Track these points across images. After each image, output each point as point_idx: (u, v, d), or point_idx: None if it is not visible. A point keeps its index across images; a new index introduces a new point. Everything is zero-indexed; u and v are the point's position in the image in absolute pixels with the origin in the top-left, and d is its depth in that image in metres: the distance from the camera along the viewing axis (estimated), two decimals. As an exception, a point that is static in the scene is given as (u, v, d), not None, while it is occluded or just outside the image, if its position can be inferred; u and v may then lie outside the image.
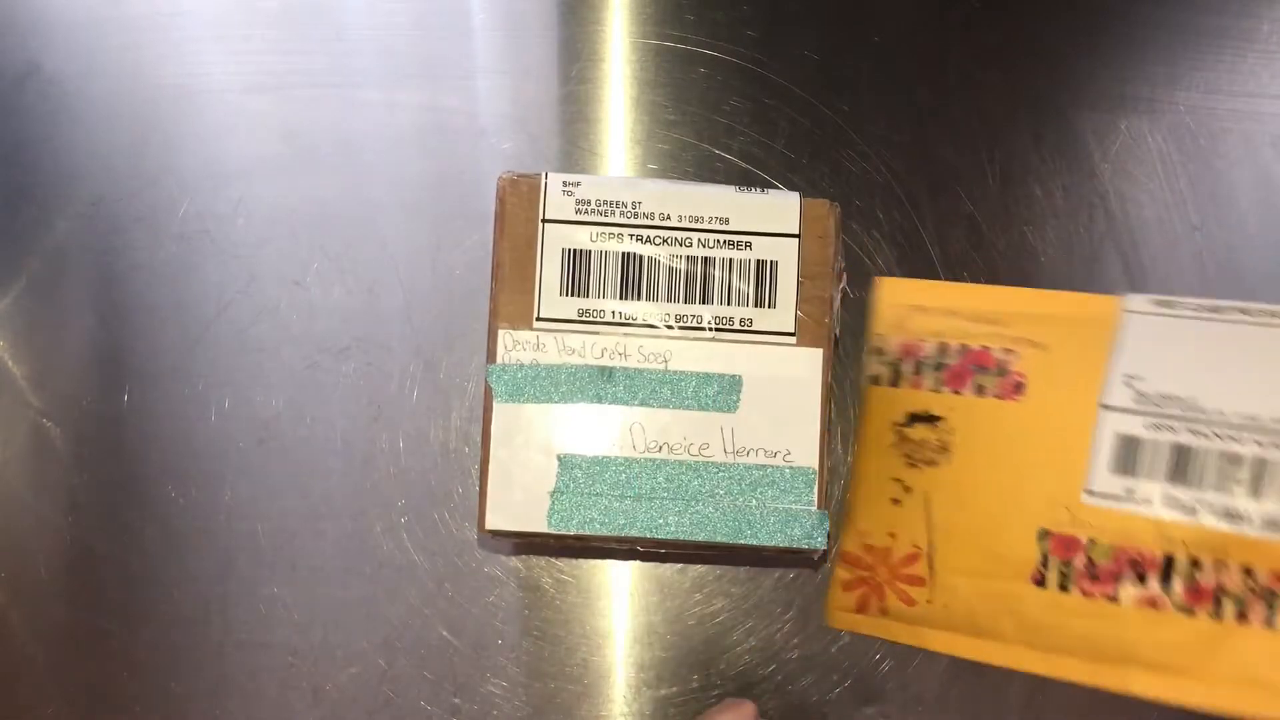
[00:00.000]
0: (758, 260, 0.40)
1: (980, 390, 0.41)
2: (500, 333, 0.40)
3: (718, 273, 0.40)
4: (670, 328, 0.40)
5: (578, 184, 0.41)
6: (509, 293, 0.40)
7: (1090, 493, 0.39)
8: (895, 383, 0.43)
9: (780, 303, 0.40)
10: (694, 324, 0.40)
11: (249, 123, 0.49)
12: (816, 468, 0.40)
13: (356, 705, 0.46)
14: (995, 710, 0.45)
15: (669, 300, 0.40)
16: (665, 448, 0.40)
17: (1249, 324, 0.40)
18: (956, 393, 0.42)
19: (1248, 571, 0.38)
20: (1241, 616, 0.38)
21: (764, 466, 0.40)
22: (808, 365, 0.40)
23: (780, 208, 0.41)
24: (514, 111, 0.49)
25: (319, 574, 0.46)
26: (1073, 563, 0.40)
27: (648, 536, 0.40)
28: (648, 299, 0.40)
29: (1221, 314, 0.40)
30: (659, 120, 0.49)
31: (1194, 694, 0.38)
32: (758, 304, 0.40)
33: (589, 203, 0.41)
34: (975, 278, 0.47)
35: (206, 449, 0.47)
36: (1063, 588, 0.40)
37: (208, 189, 0.48)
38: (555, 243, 0.40)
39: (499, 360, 0.40)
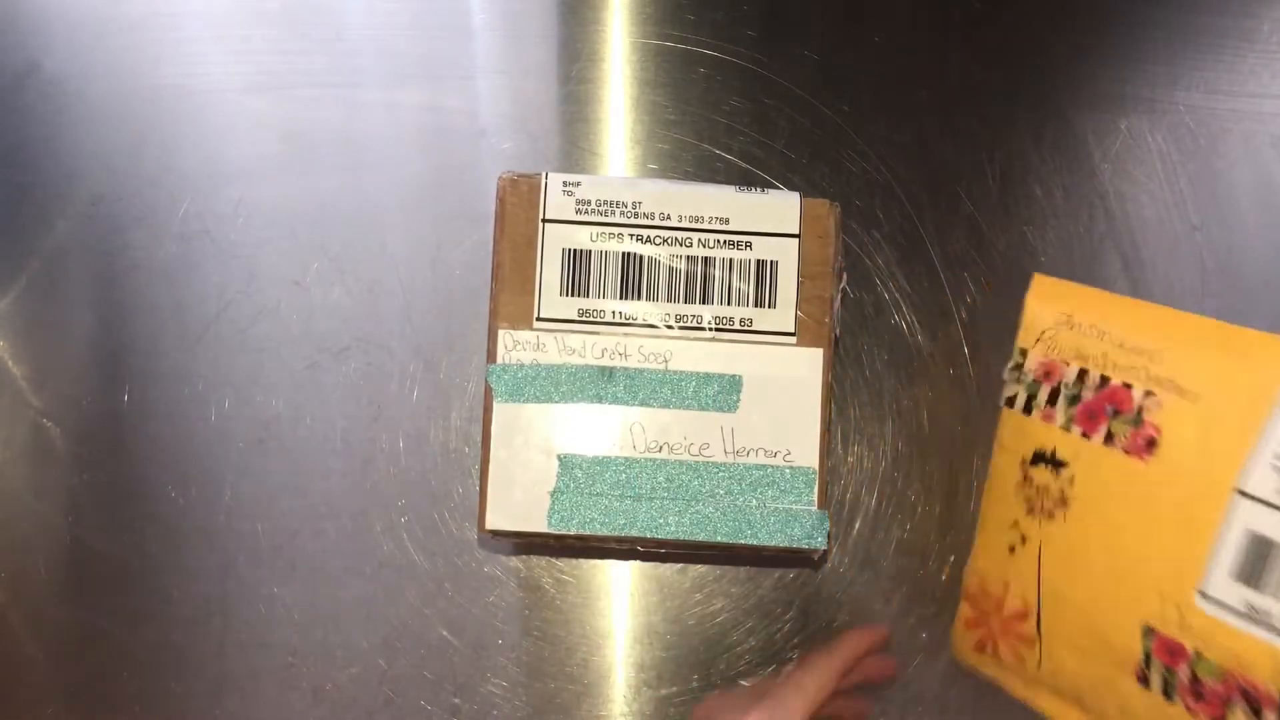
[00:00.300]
0: (758, 260, 0.40)
1: (1110, 439, 0.37)
2: (500, 333, 0.40)
3: (718, 273, 0.40)
4: (670, 328, 0.40)
5: (578, 184, 0.41)
6: (509, 293, 0.40)
7: (1205, 596, 0.34)
8: (1029, 409, 0.40)
9: (780, 303, 0.40)
10: (694, 324, 0.40)
11: (249, 123, 0.49)
12: (816, 468, 0.40)
13: (356, 705, 0.46)
14: (995, 710, 0.45)
15: (669, 300, 0.40)
16: (665, 448, 0.40)
17: None
18: (1086, 436, 0.38)
19: None
20: None
21: (764, 466, 0.40)
22: (808, 365, 0.40)
23: (780, 208, 0.41)
24: (514, 111, 0.49)
25: (319, 574, 0.46)
26: (1177, 672, 0.35)
27: (648, 536, 0.39)
28: (648, 299, 0.40)
29: None
30: (659, 120, 0.49)
31: None
32: (758, 304, 0.40)
33: (589, 203, 0.41)
34: (975, 278, 0.47)
35: (206, 449, 0.47)
36: (1166, 694, 0.35)
37: (208, 189, 0.48)
38: (555, 243, 0.40)
39: (499, 360, 0.40)
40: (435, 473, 0.47)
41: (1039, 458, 0.39)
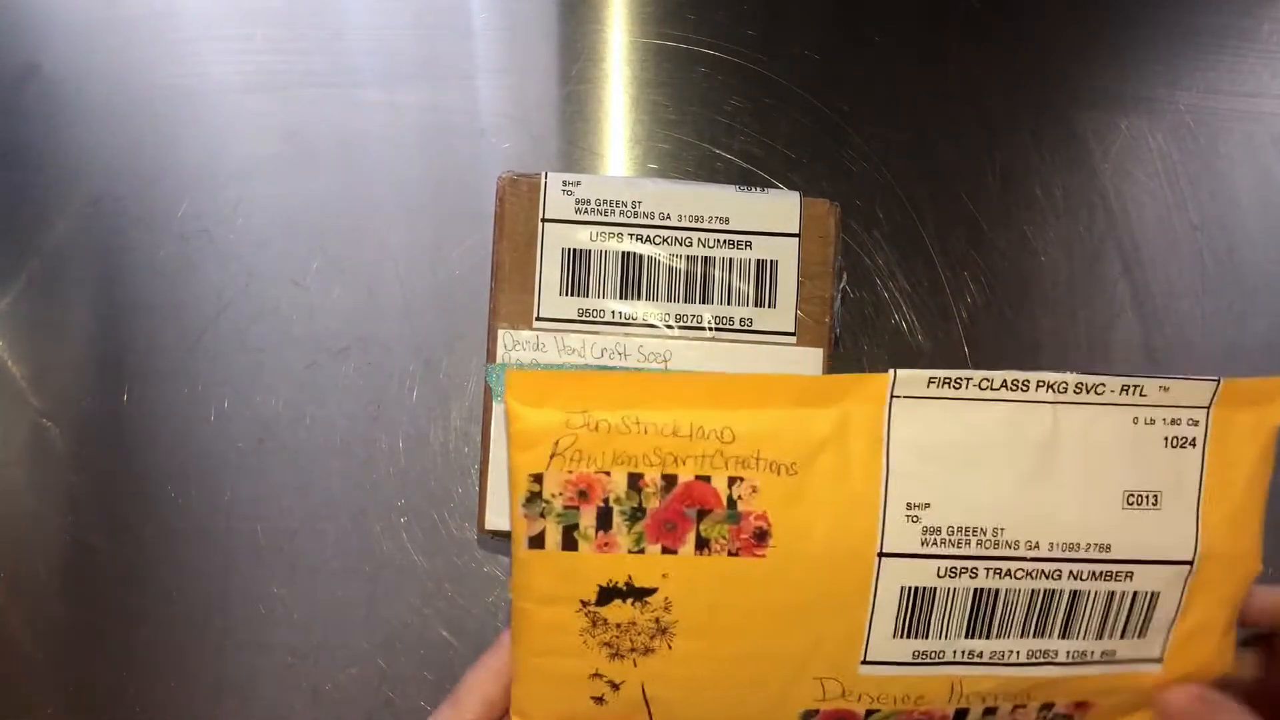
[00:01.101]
0: (758, 260, 0.40)
1: (704, 546, 0.30)
2: (500, 333, 0.40)
3: (718, 272, 0.40)
4: (670, 327, 0.40)
5: (578, 183, 0.41)
6: (509, 292, 0.40)
7: (869, 664, 0.31)
8: (571, 544, 0.30)
9: (780, 303, 0.40)
10: (694, 324, 0.40)
11: (249, 123, 0.49)
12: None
13: (356, 705, 0.46)
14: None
15: (669, 300, 0.40)
16: (665, 447, 0.40)
17: (1064, 404, 0.30)
18: (670, 551, 0.30)
19: (1046, 706, 0.32)
20: None
21: (764, 466, 0.40)
22: (808, 365, 0.40)
23: (780, 207, 0.41)
24: (514, 111, 0.49)
25: (319, 574, 0.46)
26: None
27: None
28: (648, 299, 0.40)
29: (1022, 391, 0.30)
30: (659, 120, 0.49)
31: None
32: (758, 304, 0.40)
33: (589, 202, 0.41)
34: (975, 278, 0.47)
35: (206, 449, 0.47)
36: None
37: (207, 189, 0.48)
38: (555, 242, 0.40)
39: (499, 360, 0.40)
40: (435, 473, 0.47)
41: (609, 594, 0.30)
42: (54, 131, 0.48)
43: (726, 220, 0.41)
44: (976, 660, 0.31)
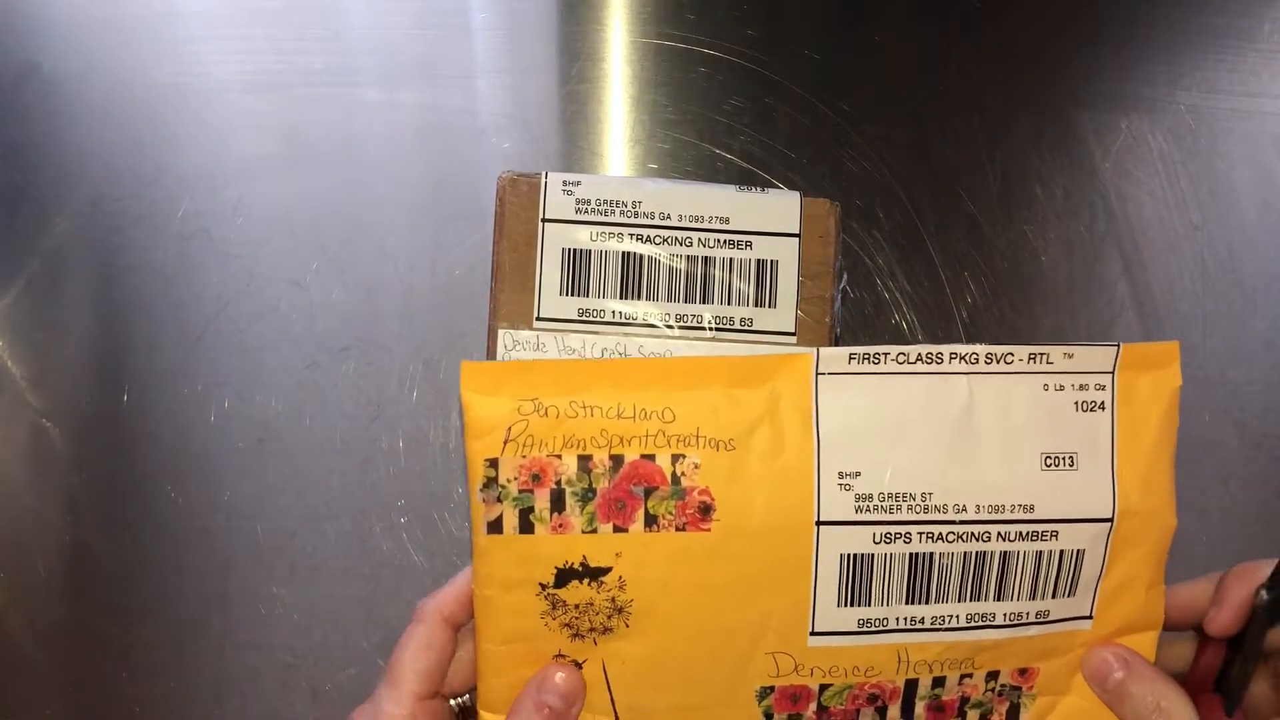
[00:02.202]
0: (758, 260, 0.40)
1: (653, 523, 0.31)
2: (500, 332, 0.40)
3: (718, 272, 0.40)
4: (670, 327, 0.40)
5: (578, 183, 0.41)
6: (509, 292, 0.40)
7: (817, 634, 0.32)
8: (527, 527, 0.31)
9: (780, 302, 0.40)
10: (694, 324, 0.40)
11: (249, 123, 0.49)
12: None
13: (356, 705, 0.46)
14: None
15: (669, 300, 0.40)
16: (665, 447, 0.40)
17: (977, 374, 0.32)
18: (621, 530, 0.31)
19: (992, 674, 0.33)
20: None
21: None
22: (808, 365, 0.40)
23: (780, 207, 0.41)
24: (514, 111, 0.49)
25: (319, 574, 0.46)
26: (803, 715, 0.33)
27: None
28: (648, 299, 0.40)
29: (937, 364, 0.32)
30: (659, 120, 0.49)
31: None
32: (758, 304, 0.40)
33: (589, 202, 0.41)
34: (975, 278, 0.47)
35: (206, 449, 0.47)
36: None
37: (207, 189, 0.48)
38: (555, 242, 0.40)
39: (499, 360, 0.40)
40: (435, 473, 0.47)
41: (567, 576, 0.31)
42: (54, 131, 0.48)
43: (727, 220, 0.41)
44: (919, 626, 0.32)
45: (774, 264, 0.40)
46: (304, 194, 0.48)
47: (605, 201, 0.41)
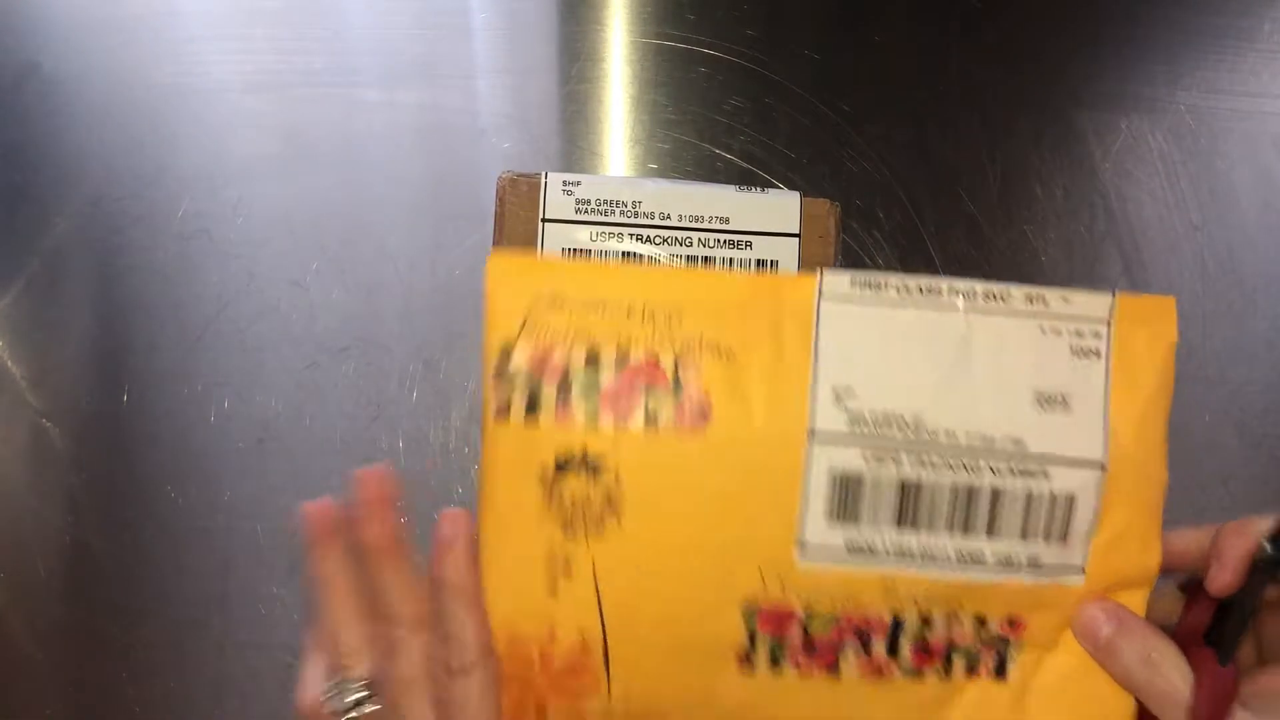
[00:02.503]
0: (758, 260, 0.40)
1: (652, 420, 0.32)
2: (500, 332, 0.40)
3: (718, 272, 0.40)
4: (670, 327, 0.40)
5: (578, 183, 0.41)
6: (509, 292, 0.40)
7: (804, 550, 0.32)
8: (533, 413, 0.32)
9: (780, 302, 0.40)
10: (694, 324, 0.40)
11: (249, 122, 0.49)
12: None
13: (356, 705, 0.46)
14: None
15: (669, 300, 0.40)
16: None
17: (975, 311, 0.32)
18: (621, 425, 0.32)
19: (981, 622, 0.33)
20: (971, 670, 0.33)
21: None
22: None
23: (780, 207, 0.41)
24: (514, 111, 0.49)
25: (319, 574, 0.46)
26: (786, 639, 0.33)
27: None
28: (648, 299, 0.40)
29: (937, 296, 0.32)
30: (659, 120, 0.49)
31: None
32: (758, 304, 0.40)
33: (589, 202, 0.41)
34: (976, 278, 0.47)
35: (206, 449, 0.47)
36: (774, 663, 0.33)
37: (207, 189, 0.48)
38: (555, 242, 0.40)
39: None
40: (435, 473, 0.47)
41: (565, 465, 0.32)
42: (54, 131, 0.48)
43: (727, 220, 0.41)
44: (908, 556, 0.32)
45: (774, 264, 0.40)
46: (304, 194, 0.48)
47: (605, 202, 0.41)
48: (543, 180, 0.41)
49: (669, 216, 0.41)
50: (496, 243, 0.40)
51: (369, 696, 0.31)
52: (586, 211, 0.41)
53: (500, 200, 0.41)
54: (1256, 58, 0.49)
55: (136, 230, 0.48)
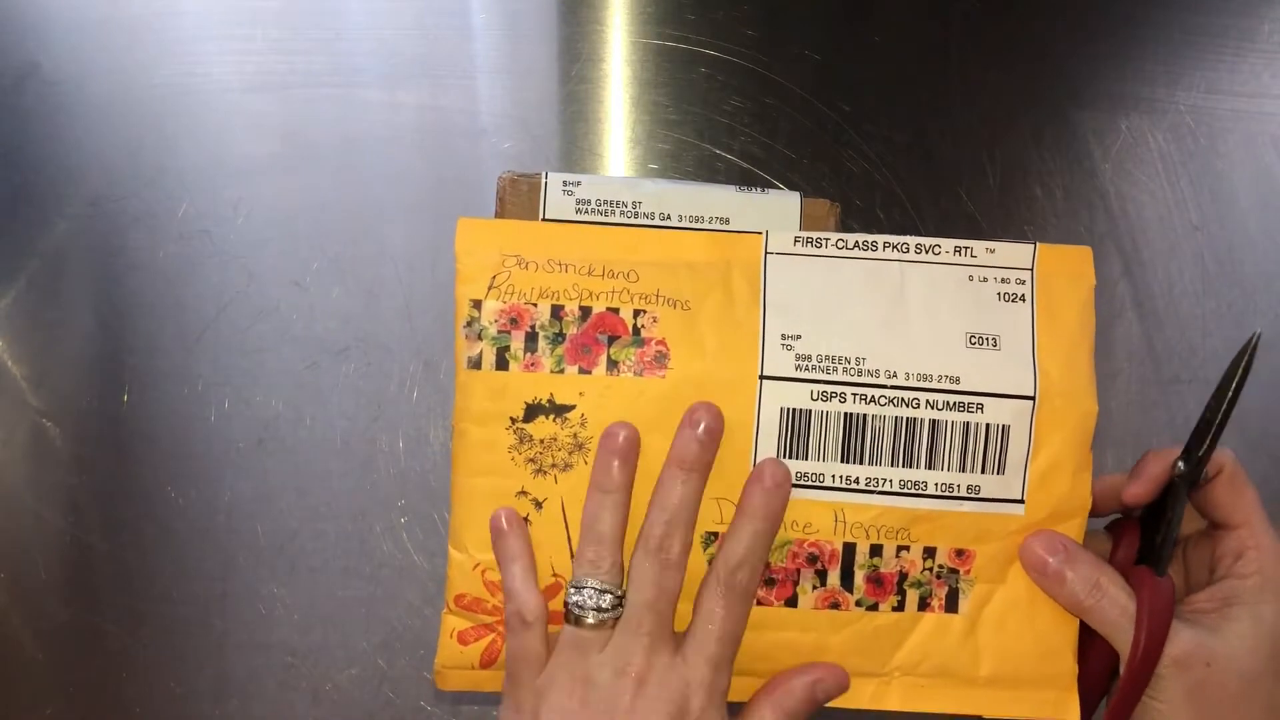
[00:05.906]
0: (758, 260, 0.40)
1: (614, 367, 0.35)
2: (500, 333, 0.40)
3: (718, 272, 0.40)
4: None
5: (578, 184, 0.41)
6: (509, 293, 0.40)
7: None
8: (503, 363, 0.35)
9: (780, 303, 0.40)
10: (694, 324, 0.40)
11: (249, 123, 0.49)
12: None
13: (356, 705, 0.46)
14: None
15: (669, 300, 0.40)
16: (665, 448, 0.40)
17: (909, 262, 0.35)
18: (585, 372, 0.35)
19: (929, 552, 0.35)
20: (923, 604, 0.35)
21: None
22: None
23: (780, 208, 0.41)
24: (514, 111, 0.49)
25: (319, 574, 0.46)
26: None
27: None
28: (648, 299, 0.40)
29: (873, 251, 0.35)
30: (659, 120, 0.49)
31: (887, 697, 0.35)
32: (758, 304, 0.40)
33: (589, 202, 0.41)
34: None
35: (206, 449, 0.47)
36: None
37: (207, 189, 0.48)
38: (555, 243, 0.40)
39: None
40: (435, 473, 0.47)
41: (534, 411, 0.35)
42: (54, 131, 0.48)
43: (727, 220, 0.41)
44: (854, 486, 0.35)
45: (774, 264, 0.40)
46: (304, 194, 0.48)
47: (605, 202, 0.41)
48: (543, 180, 0.41)
49: (669, 217, 0.41)
50: (496, 243, 0.40)
51: (620, 602, 0.34)
52: (587, 211, 0.40)
53: (500, 200, 0.41)
54: (1256, 58, 0.49)
55: (136, 230, 0.48)
